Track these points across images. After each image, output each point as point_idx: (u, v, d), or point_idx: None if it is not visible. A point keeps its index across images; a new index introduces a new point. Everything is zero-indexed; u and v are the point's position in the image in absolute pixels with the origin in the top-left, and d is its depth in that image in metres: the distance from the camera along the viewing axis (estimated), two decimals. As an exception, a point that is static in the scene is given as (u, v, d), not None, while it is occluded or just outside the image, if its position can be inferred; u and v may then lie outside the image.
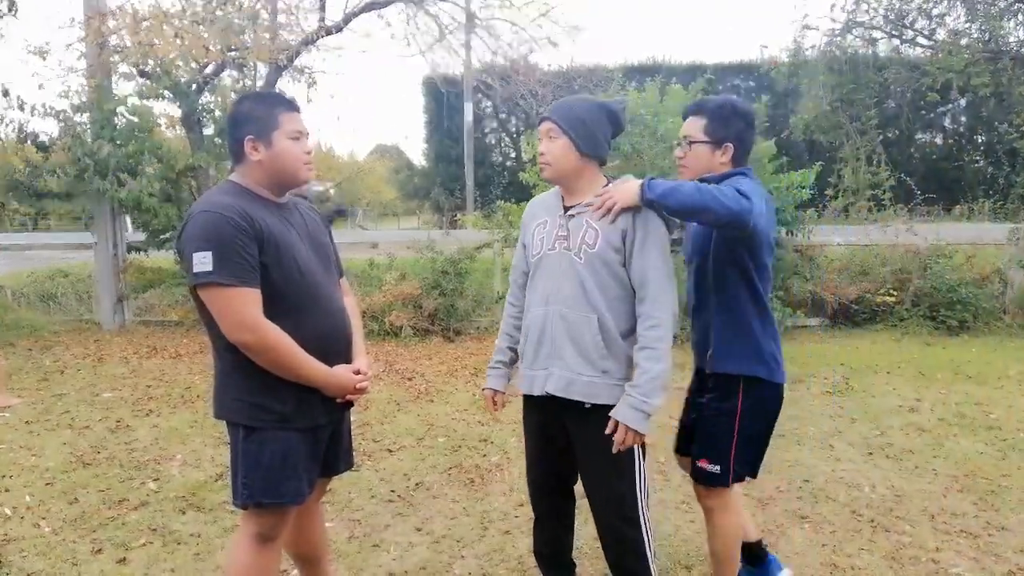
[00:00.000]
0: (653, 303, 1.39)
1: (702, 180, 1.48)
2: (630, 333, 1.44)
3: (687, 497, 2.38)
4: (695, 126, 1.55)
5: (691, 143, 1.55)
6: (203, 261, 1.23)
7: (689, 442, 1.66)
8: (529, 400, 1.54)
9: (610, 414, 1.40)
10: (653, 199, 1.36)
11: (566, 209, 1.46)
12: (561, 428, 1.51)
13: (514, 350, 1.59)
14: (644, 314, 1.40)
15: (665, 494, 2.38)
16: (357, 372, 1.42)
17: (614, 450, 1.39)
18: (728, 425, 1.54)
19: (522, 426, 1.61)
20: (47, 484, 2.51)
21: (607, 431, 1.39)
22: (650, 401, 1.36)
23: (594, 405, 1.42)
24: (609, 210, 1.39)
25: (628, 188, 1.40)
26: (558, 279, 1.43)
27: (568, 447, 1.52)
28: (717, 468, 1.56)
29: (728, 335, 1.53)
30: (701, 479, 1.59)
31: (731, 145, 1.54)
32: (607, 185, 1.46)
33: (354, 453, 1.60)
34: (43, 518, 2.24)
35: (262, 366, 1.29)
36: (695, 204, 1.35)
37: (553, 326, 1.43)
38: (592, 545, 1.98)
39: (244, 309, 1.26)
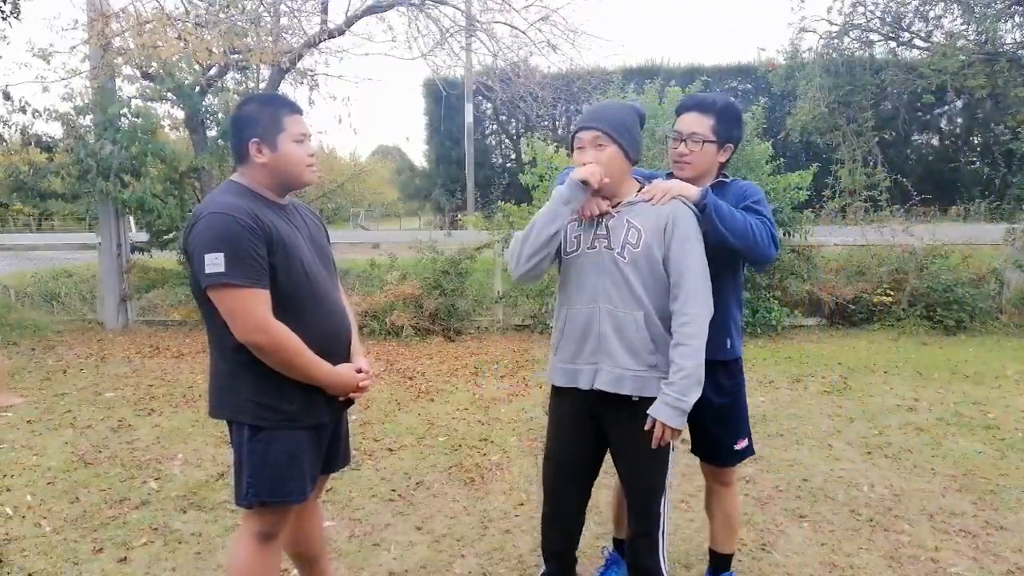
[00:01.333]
0: (688, 300, 1.42)
1: (716, 186, 1.58)
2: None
3: (686, 496, 2.39)
4: (703, 124, 1.56)
5: (704, 141, 1.56)
6: (215, 262, 1.24)
7: (705, 441, 1.71)
8: (563, 392, 1.54)
9: (648, 412, 1.43)
10: (709, 206, 1.45)
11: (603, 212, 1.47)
12: (595, 421, 1.52)
13: None
14: (678, 311, 1.42)
15: (664, 493, 2.38)
16: (359, 371, 1.44)
17: (652, 446, 1.44)
18: (744, 401, 1.71)
19: (547, 417, 1.61)
20: (48, 483, 2.52)
21: (646, 427, 1.44)
22: (686, 398, 1.40)
23: (641, 398, 1.44)
24: (664, 195, 1.46)
25: (685, 185, 1.49)
26: (602, 277, 1.45)
27: (599, 440, 1.54)
28: (746, 442, 1.70)
29: (739, 322, 1.68)
30: (737, 459, 1.70)
31: (732, 147, 1.61)
32: (641, 189, 1.50)
33: (355, 452, 1.61)
34: (44, 517, 2.25)
35: (271, 366, 1.31)
36: (742, 234, 1.47)
37: (600, 323, 1.44)
38: (593, 544, 2.00)
39: (256, 310, 1.27)
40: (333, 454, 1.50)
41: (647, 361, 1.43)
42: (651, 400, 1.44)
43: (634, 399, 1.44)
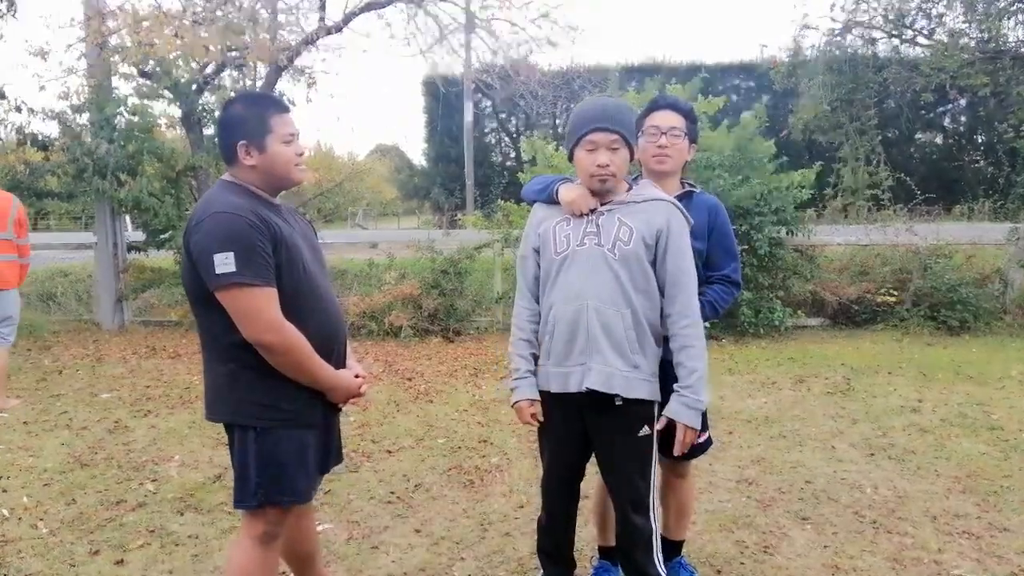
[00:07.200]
0: (687, 302, 1.44)
1: (683, 196, 1.64)
2: (657, 329, 1.47)
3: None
4: (677, 120, 1.63)
5: (683, 134, 1.63)
6: (226, 262, 1.22)
7: (667, 437, 1.69)
8: (551, 398, 1.51)
9: (665, 414, 1.43)
10: (711, 318, 1.64)
11: (592, 210, 1.47)
12: (579, 426, 1.51)
13: (536, 356, 1.56)
14: (679, 313, 1.43)
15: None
16: (356, 376, 1.44)
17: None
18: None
19: (536, 427, 1.58)
20: (45, 485, 2.50)
21: (657, 428, 1.45)
22: (702, 399, 1.42)
23: (625, 401, 1.44)
24: None
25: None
26: (591, 274, 1.43)
27: (584, 445, 1.53)
28: (705, 435, 1.72)
29: None
30: (696, 453, 1.71)
31: (696, 145, 1.70)
32: (630, 190, 1.50)
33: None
34: (41, 519, 2.23)
35: (277, 367, 1.29)
36: (720, 313, 1.69)
37: (589, 321, 1.42)
38: (592, 546, 1.98)
39: (268, 309, 1.25)
40: (327, 452, 1.49)
41: (632, 361, 1.42)
42: (635, 403, 1.43)
43: (617, 403, 1.43)
